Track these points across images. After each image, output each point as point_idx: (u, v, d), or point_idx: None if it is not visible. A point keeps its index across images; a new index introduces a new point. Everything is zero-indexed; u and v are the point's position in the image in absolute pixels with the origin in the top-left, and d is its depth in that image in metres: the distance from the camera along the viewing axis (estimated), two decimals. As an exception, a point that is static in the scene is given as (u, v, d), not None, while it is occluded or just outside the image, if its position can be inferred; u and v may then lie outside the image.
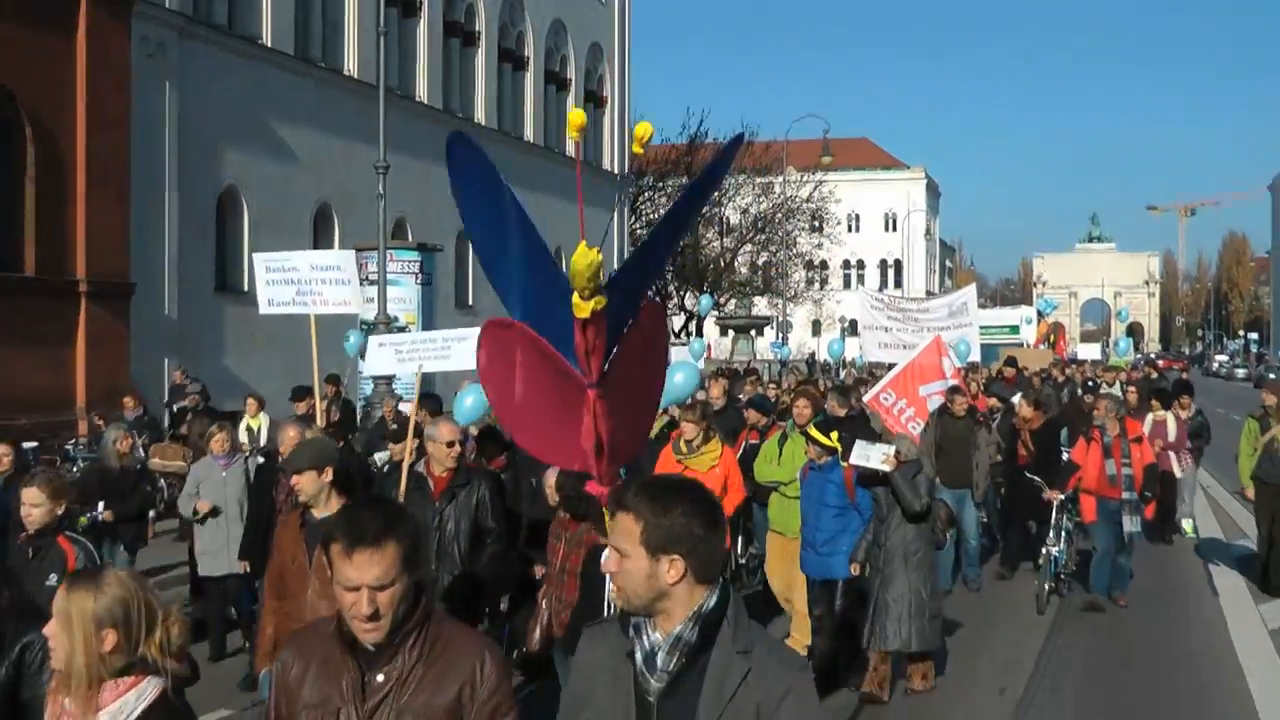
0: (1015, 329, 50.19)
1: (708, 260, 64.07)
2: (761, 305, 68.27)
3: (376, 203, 25.70)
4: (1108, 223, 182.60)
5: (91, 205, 27.50)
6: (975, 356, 27.38)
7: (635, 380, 5.62)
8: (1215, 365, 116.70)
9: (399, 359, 14.03)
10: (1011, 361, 29.86)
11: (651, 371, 5.90)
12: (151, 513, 14.73)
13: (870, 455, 10.56)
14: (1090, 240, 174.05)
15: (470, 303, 46.76)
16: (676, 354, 17.45)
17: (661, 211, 65.01)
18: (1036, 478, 15.58)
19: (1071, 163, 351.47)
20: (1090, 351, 43.93)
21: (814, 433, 11.36)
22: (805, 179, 65.25)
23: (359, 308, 15.98)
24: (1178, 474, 19.36)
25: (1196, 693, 11.52)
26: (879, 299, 26.07)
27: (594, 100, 58.08)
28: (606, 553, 3.89)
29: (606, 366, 5.30)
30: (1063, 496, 15.03)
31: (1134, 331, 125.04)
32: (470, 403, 14.33)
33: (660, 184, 64.93)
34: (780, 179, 63.63)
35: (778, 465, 12.71)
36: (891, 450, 10.63)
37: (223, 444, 13.17)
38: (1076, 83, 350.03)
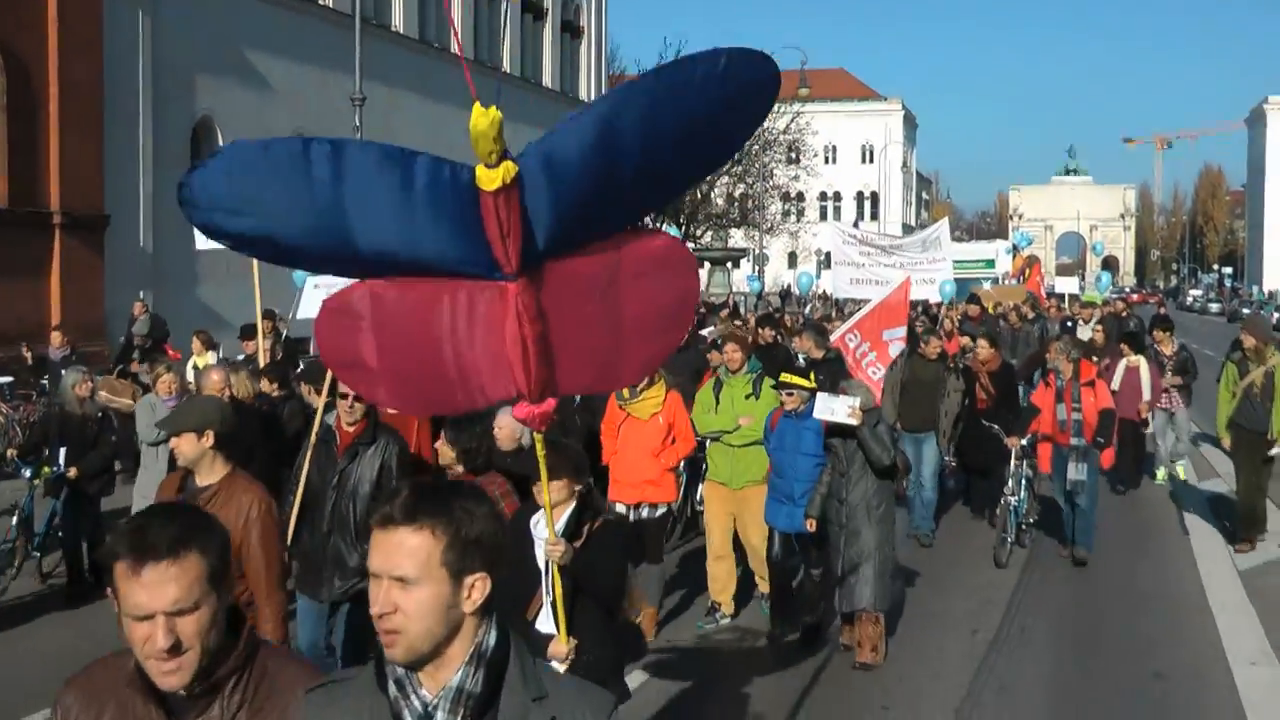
0: (991, 263, 50.09)
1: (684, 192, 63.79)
2: (738, 237, 68.21)
3: (353, 135, 25.54)
4: (1084, 155, 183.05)
5: (65, 136, 27.27)
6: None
7: (601, 302, 4.74)
8: (1190, 300, 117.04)
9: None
10: (975, 298, 28.15)
11: (642, 307, 4.88)
12: (117, 463, 13.77)
13: (835, 409, 10.04)
14: (1066, 173, 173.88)
15: (446, 234, 46.54)
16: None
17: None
18: (994, 425, 14.93)
19: (1048, 94, 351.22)
20: (1068, 285, 43.49)
21: (791, 377, 10.91)
22: (782, 110, 64.91)
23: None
24: (1151, 425, 18.81)
25: (1166, 633, 11.63)
26: (851, 234, 26.09)
27: (571, 30, 57.65)
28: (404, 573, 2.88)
29: (544, 258, 4.45)
30: (1022, 443, 14.35)
31: (1109, 265, 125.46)
32: None
33: (638, 115, 64.53)
34: (758, 110, 63.32)
35: (715, 414, 11.76)
36: (856, 402, 10.05)
37: (168, 385, 12.74)
38: (1053, 13, 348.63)
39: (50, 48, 27.17)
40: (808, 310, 34.71)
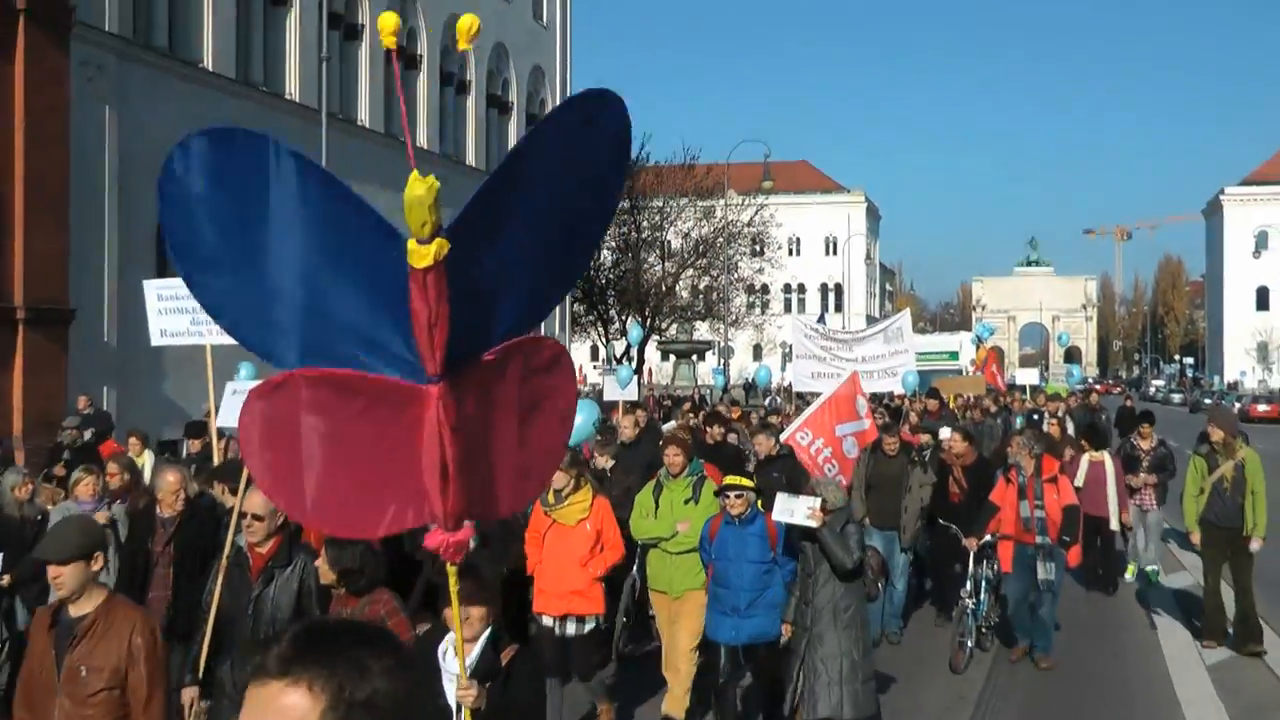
0: (955, 355, 50.40)
1: (649, 285, 64.06)
2: (703, 330, 68.41)
3: (319, 229, 25.56)
4: (1046, 246, 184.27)
5: (30, 230, 27.19)
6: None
7: (513, 414, 4.41)
8: (1152, 390, 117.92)
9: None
10: (934, 392, 27.41)
11: (544, 418, 4.56)
12: None
13: (794, 509, 9.55)
14: (1028, 264, 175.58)
15: (412, 327, 46.48)
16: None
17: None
18: (952, 525, 14.53)
19: (1010, 186, 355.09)
20: (1028, 377, 43.40)
21: (736, 479, 10.31)
22: (746, 203, 65.43)
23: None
24: (1114, 524, 17.68)
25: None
26: (813, 327, 25.98)
27: (536, 123, 58.07)
28: None
29: (463, 358, 4.08)
30: (980, 543, 13.92)
31: (1072, 356, 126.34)
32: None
33: (602, 207, 64.84)
34: (722, 203, 63.83)
35: (654, 519, 11.22)
36: (817, 503, 9.55)
37: (90, 489, 12.15)
38: (1014, 106, 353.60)
39: (16, 141, 27.17)
40: (767, 403, 34.35)
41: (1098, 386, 55.53)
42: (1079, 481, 16.89)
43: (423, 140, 47.26)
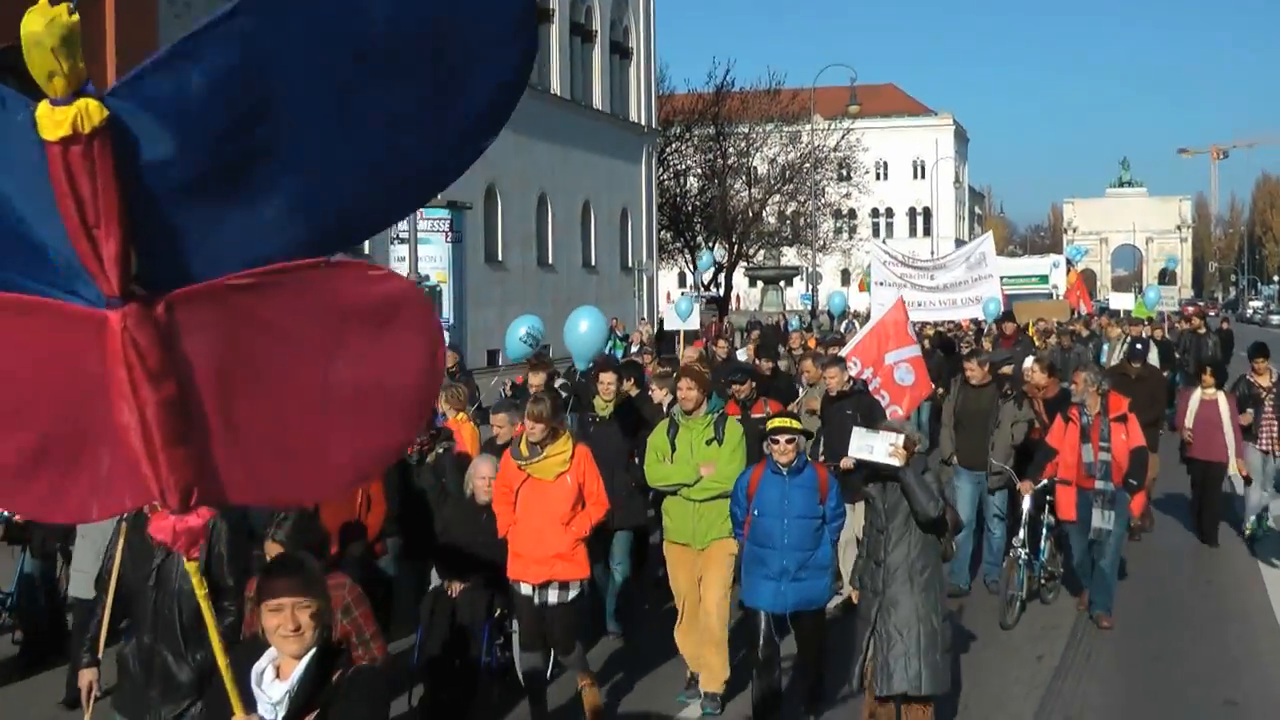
0: (1045, 278, 49.54)
1: (735, 211, 63.81)
2: (790, 255, 68.11)
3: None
4: (1139, 167, 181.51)
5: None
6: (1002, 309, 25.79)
7: (300, 367, 3.17)
8: (1249, 312, 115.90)
9: None
10: (1009, 315, 25.04)
11: (368, 391, 3.25)
12: None
13: (874, 445, 8.36)
14: (1121, 185, 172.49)
15: (500, 258, 46.73)
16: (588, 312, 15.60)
17: (689, 162, 64.93)
18: (1005, 466, 13.05)
19: (1101, 106, 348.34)
20: (1123, 301, 41.51)
21: (785, 420, 9.10)
22: (833, 127, 64.84)
23: None
24: (1231, 468, 15.51)
25: (1238, 659, 11.29)
26: (891, 255, 25.30)
27: (620, 51, 57.82)
28: None
29: (178, 277, 2.90)
30: (1036, 488, 12.44)
31: (1165, 277, 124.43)
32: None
33: (687, 134, 64.72)
34: (808, 128, 63.31)
35: (671, 462, 9.80)
36: (900, 439, 8.34)
37: None
38: (1104, 25, 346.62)
39: (108, 79, 27.09)
40: (843, 329, 32.06)
41: (1189, 308, 53.82)
42: (1188, 422, 15.58)
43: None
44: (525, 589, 8.99)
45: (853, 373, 14.03)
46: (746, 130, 64.19)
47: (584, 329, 13.04)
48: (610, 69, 56.68)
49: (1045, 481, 12.37)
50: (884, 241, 43.15)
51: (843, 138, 65.59)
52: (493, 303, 41.64)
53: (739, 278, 67.60)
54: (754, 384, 13.41)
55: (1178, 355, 25.81)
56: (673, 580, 10.08)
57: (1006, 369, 15.74)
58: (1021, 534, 12.36)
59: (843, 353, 15.24)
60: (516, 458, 9.10)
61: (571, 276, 52.85)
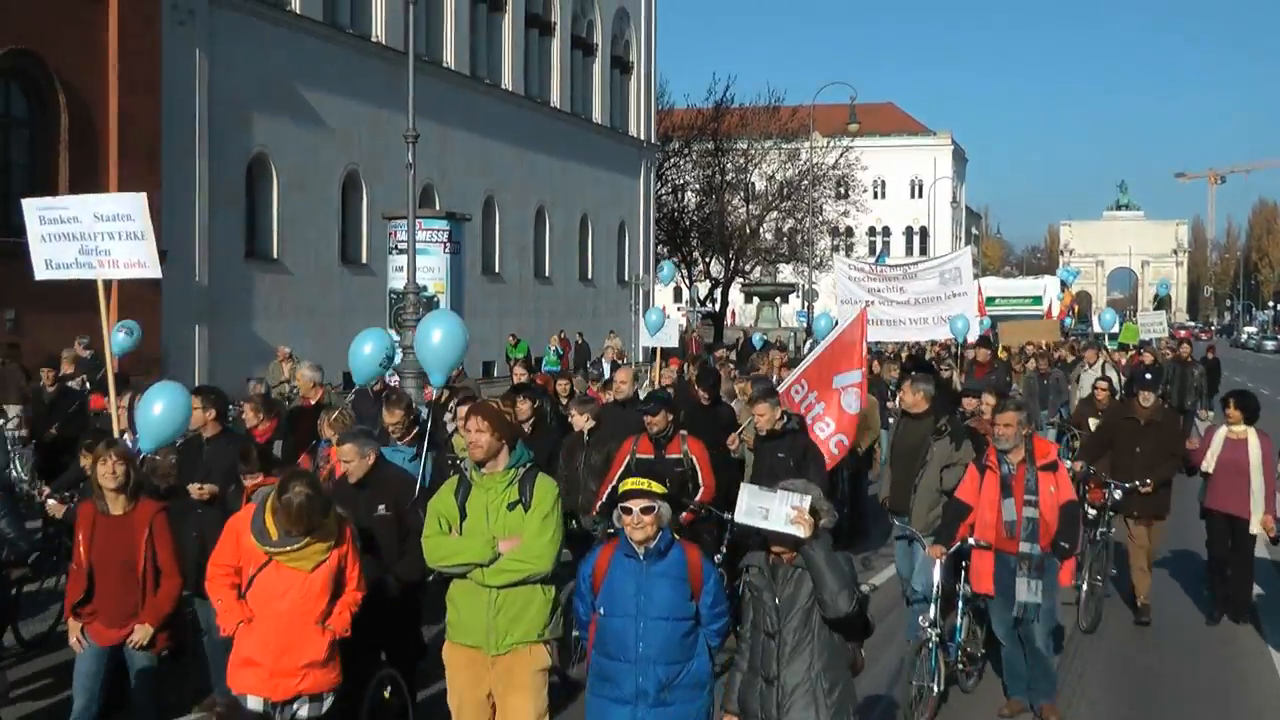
0: (1038, 299, 49.59)
1: (733, 227, 64.01)
2: (787, 273, 68.25)
3: (405, 172, 25.79)
4: (1136, 190, 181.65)
5: (124, 173, 27.73)
6: (973, 334, 23.85)
7: None
8: (1244, 337, 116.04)
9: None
10: (985, 340, 22.66)
11: None
12: None
13: (770, 509, 6.19)
14: (1118, 208, 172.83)
15: (497, 270, 46.87)
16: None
17: (688, 178, 65.11)
18: (907, 527, 11.09)
19: (1100, 129, 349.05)
20: (1103, 322, 40.64)
21: (635, 481, 6.72)
22: (831, 145, 65.07)
23: (154, 269, 12.42)
24: (1254, 526, 12.60)
25: (1229, 682, 11.21)
26: (859, 267, 23.53)
27: (620, 66, 58.01)
28: None
29: None
30: (949, 552, 10.01)
31: (1161, 302, 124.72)
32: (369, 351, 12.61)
33: (686, 149, 64.92)
34: (807, 145, 63.51)
35: (459, 534, 7.24)
36: (805, 501, 6.17)
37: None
38: (1105, 48, 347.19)
39: (110, 86, 27.74)
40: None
41: (1180, 332, 52.46)
42: (1208, 466, 12.84)
43: (507, 82, 47.39)
44: (255, 704, 7.03)
45: (797, 399, 12.73)
46: (745, 146, 64.43)
47: (437, 339, 11.03)
48: (611, 83, 56.87)
49: (959, 545, 10.03)
50: (877, 261, 42.52)
51: (841, 155, 65.84)
52: (489, 314, 41.78)
53: (735, 294, 67.73)
54: (670, 415, 11.09)
55: (1163, 386, 23.51)
56: (452, 699, 7.44)
57: (971, 402, 13.89)
58: (931, 611, 9.79)
59: (791, 376, 13.66)
60: (261, 539, 7.00)
61: (568, 289, 52.98)
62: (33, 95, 27.02)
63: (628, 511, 6.50)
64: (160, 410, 9.93)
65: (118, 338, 13.64)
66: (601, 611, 6.60)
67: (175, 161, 29.99)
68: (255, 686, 6.99)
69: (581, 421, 11.89)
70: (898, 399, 13.61)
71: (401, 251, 26.38)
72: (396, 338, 12.62)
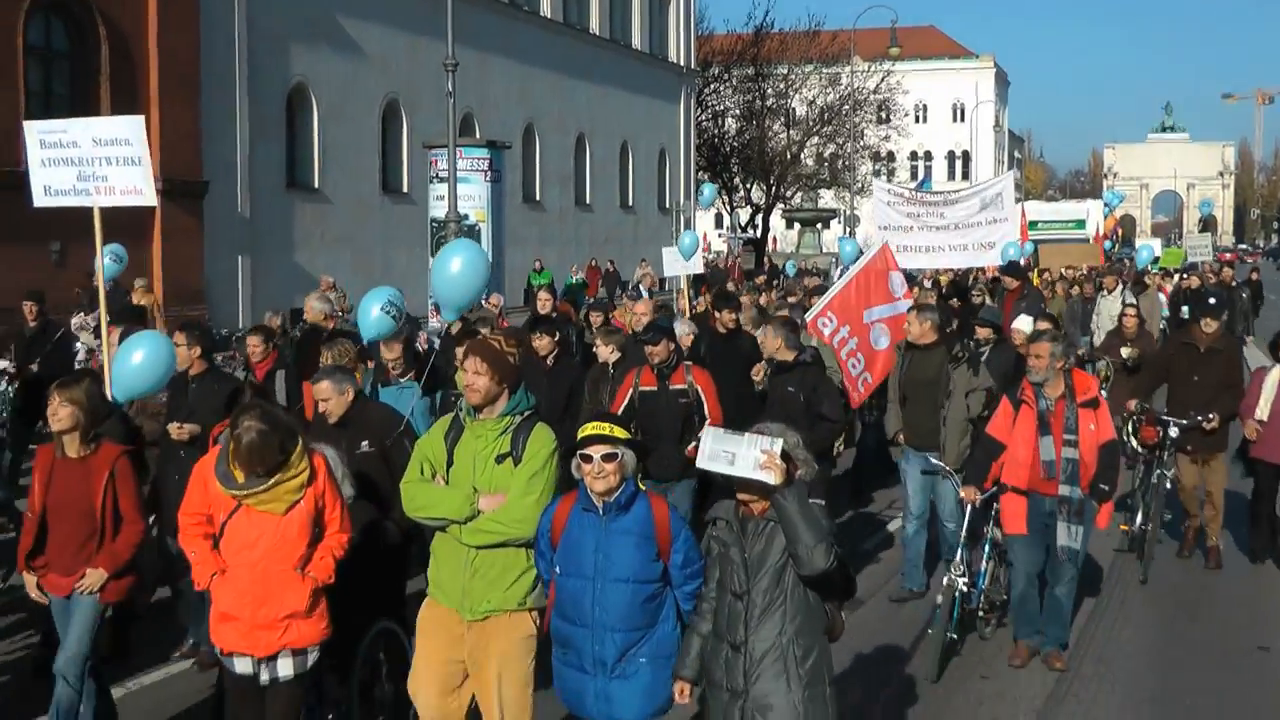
0: (1081, 223, 48.97)
1: (774, 152, 63.59)
2: (828, 198, 67.86)
3: (445, 100, 25.75)
4: (1182, 112, 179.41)
5: (164, 104, 27.85)
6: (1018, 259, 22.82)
7: None
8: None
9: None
10: (1014, 266, 20.87)
11: None
12: None
13: (736, 454, 5.49)
14: (1163, 130, 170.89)
15: (538, 198, 46.81)
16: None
17: (728, 103, 64.70)
18: (939, 461, 10.53)
19: (1145, 50, 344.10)
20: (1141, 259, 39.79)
21: (600, 426, 6.00)
22: (873, 69, 64.44)
23: (150, 196, 12.04)
24: None
25: (1273, 609, 11.18)
26: (897, 192, 22.67)
27: (661, -10, 57.63)
28: None
29: None
30: (982, 496, 9.54)
31: (1207, 225, 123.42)
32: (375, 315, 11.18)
33: (726, 75, 64.48)
34: (848, 70, 62.94)
35: (444, 482, 6.56)
36: (777, 446, 5.46)
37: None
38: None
39: (149, 18, 27.76)
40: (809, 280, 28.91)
41: (1224, 255, 51.03)
42: (1262, 413, 11.69)
43: (546, 9, 47.14)
44: (243, 665, 6.50)
45: (826, 333, 12.29)
46: (785, 72, 63.85)
47: (455, 269, 10.02)
48: (650, 9, 56.46)
49: (993, 489, 9.54)
50: (920, 186, 41.84)
51: (882, 80, 65.14)
52: (529, 242, 41.78)
53: (776, 220, 67.43)
54: (672, 345, 10.53)
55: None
56: (417, 661, 6.74)
57: (984, 331, 12.95)
58: (959, 554, 9.51)
59: (817, 306, 12.97)
60: (226, 483, 6.41)
61: (609, 217, 52.90)
62: (72, 27, 27.08)
63: (587, 459, 5.89)
64: (139, 360, 9.40)
65: (106, 264, 13.19)
66: (558, 570, 6.05)
67: (215, 93, 30.02)
68: (236, 643, 6.46)
69: (607, 353, 11.38)
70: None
71: (442, 180, 26.39)
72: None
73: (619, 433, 5.94)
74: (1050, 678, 9.21)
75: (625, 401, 10.27)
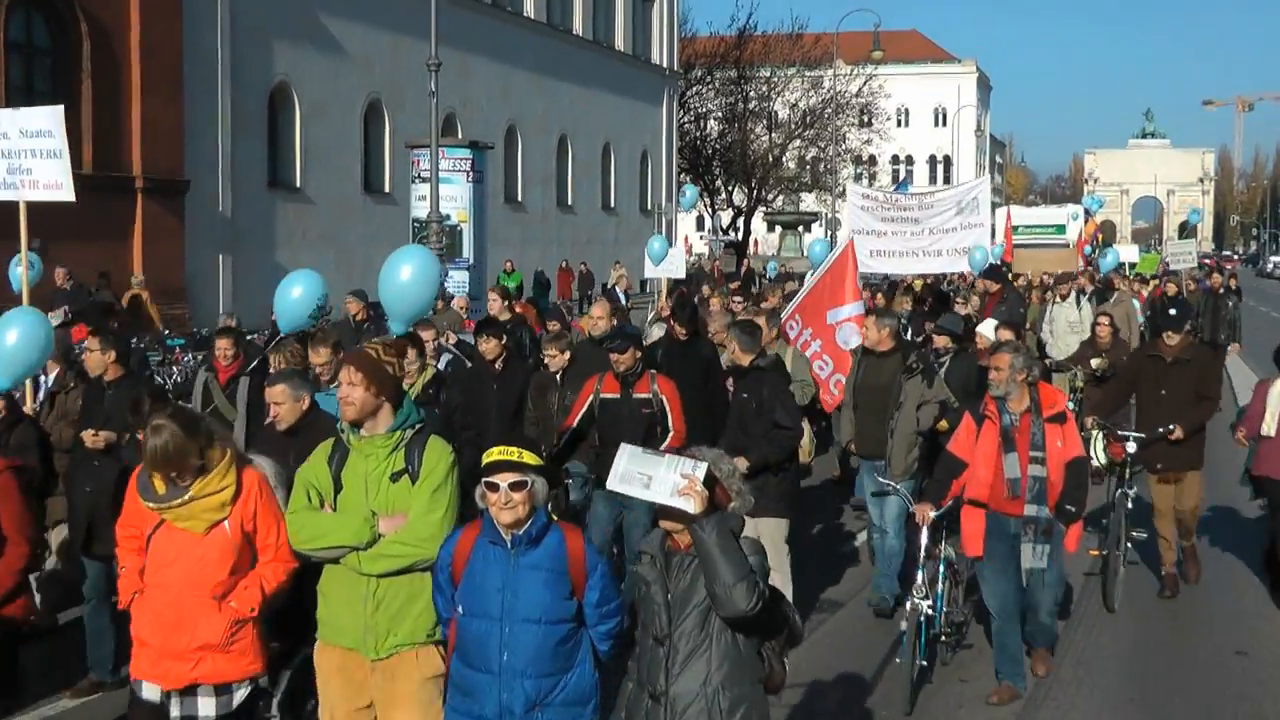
0: (1061, 229, 49.00)
1: (755, 155, 63.63)
2: (809, 201, 67.91)
3: (428, 100, 25.72)
4: (1162, 118, 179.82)
5: (146, 102, 27.81)
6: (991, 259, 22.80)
7: None
8: (1269, 266, 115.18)
9: None
10: (994, 270, 20.12)
11: None
12: None
13: (652, 478, 4.91)
14: (1144, 136, 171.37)
15: (520, 199, 46.77)
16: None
17: (710, 106, 64.73)
18: (885, 481, 10.15)
19: (1126, 56, 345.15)
20: (1129, 254, 39.66)
21: (503, 450, 5.29)
22: (855, 73, 64.53)
23: (69, 191, 11.82)
24: None
25: (1250, 612, 11.23)
26: (871, 196, 22.64)
27: (643, -8, 57.65)
28: None
29: None
30: (936, 514, 8.93)
31: (1188, 231, 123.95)
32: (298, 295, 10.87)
33: (709, 77, 64.51)
34: (830, 73, 63.03)
35: (332, 509, 5.95)
36: (699, 470, 4.87)
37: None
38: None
39: (132, 13, 27.70)
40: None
41: (1207, 260, 50.97)
42: (1269, 428, 10.66)
43: (529, 10, 47.12)
44: (150, 691, 5.89)
45: (792, 334, 12.15)
46: (768, 74, 63.88)
47: (405, 277, 10.00)
48: (633, 10, 56.46)
49: (950, 504, 9.01)
50: (897, 189, 41.67)
51: (865, 83, 65.25)
52: (511, 243, 41.75)
53: (758, 223, 67.46)
54: (639, 353, 10.04)
55: (1194, 320, 21.23)
56: (324, 713, 6.14)
57: (941, 340, 12.52)
58: (920, 576, 8.89)
59: (785, 312, 12.86)
60: (144, 494, 5.84)
61: (590, 218, 52.90)
62: (54, 23, 27.00)
63: (493, 488, 5.22)
64: (14, 340, 9.01)
65: (16, 272, 12.75)
66: (460, 610, 5.40)
67: (197, 90, 29.95)
68: (145, 670, 5.86)
69: (552, 360, 10.86)
70: (908, 334, 13.23)
71: (424, 180, 26.36)
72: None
73: (528, 458, 5.26)
74: (1029, 680, 9.20)
75: (585, 408, 9.94)
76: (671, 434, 9.70)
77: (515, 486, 5.20)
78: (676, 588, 5.02)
